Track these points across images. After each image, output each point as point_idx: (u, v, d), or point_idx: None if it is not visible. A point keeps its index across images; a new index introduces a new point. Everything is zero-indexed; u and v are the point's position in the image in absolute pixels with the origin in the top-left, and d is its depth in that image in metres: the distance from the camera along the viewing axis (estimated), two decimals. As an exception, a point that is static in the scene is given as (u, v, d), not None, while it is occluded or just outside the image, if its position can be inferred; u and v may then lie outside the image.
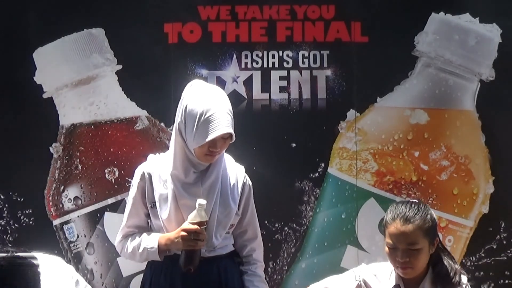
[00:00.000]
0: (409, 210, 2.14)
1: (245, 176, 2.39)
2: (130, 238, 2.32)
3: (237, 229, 2.38)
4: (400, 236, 2.11)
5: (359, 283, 2.27)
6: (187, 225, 2.16)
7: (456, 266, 2.20)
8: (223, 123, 2.17)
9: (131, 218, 2.34)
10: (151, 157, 2.37)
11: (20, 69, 3.21)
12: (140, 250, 2.27)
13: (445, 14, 3.21)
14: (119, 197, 3.13)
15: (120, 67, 3.21)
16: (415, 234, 2.11)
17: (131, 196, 2.34)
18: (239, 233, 2.39)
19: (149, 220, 2.36)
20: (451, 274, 2.17)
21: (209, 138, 2.15)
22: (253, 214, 2.41)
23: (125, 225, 2.35)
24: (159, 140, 3.19)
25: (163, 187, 2.28)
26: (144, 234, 2.30)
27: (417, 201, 2.24)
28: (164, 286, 2.28)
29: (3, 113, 3.19)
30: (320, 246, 3.13)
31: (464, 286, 2.17)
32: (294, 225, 3.16)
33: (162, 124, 3.20)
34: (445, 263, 2.19)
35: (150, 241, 2.26)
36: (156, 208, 2.29)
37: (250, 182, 2.41)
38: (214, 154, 2.22)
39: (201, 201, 2.15)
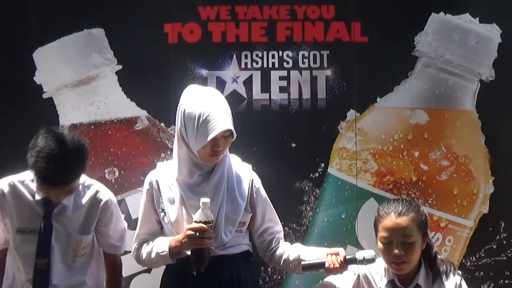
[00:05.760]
0: (402, 205, 2.22)
1: (251, 174, 2.41)
2: (144, 245, 2.35)
3: (260, 227, 2.41)
4: (395, 228, 2.17)
5: (358, 277, 2.29)
6: (192, 224, 2.18)
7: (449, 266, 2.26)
8: (221, 121, 2.21)
9: (144, 225, 2.38)
10: (159, 164, 2.45)
11: (20, 69, 3.21)
12: (153, 256, 2.30)
13: (445, 14, 3.21)
14: (119, 197, 3.12)
15: (120, 67, 3.21)
16: (410, 227, 2.17)
17: (142, 204, 2.40)
18: (265, 229, 2.41)
19: (161, 227, 2.38)
20: (451, 271, 2.24)
21: (210, 137, 2.19)
22: (271, 209, 2.44)
23: (138, 233, 2.40)
24: (159, 140, 3.19)
25: (170, 191, 2.32)
26: (156, 240, 2.33)
27: (406, 198, 2.28)
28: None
29: (3, 113, 3.19)
30: (320, 246, 3.10)
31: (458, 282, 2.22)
32: (294, 225, 3.16)
33: (162, 124, 3.20)
34: (441, 261, 2.27)
35: (161, 245, 2.29)
36: (165, 212, 2.31)
37: (259, 179, 2.43)
38: (218, 153, 2.26)
39: (205, 199, 2.18)
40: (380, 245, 2.22)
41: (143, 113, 3.20)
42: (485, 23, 3.22)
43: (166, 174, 2.36)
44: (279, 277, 3.15)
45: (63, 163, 2.18)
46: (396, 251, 2.15)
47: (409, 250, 2.16)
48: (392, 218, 2.18)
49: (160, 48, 3.21)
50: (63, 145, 2.20)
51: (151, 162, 3.11)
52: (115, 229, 2.46)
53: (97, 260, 2.52)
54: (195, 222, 2.19)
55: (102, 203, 2.40)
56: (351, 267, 2.29)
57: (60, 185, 2.22)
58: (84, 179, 2.41)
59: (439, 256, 2.29)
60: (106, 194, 2.44)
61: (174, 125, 3.13)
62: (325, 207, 3.18)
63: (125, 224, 2.55)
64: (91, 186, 2.42)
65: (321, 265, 2.28)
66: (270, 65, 3.22)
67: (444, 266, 2.25)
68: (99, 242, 2.47)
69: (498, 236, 3.17)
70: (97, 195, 2.41)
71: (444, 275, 2.22)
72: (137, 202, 2.58)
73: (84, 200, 2.39)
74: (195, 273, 2.24)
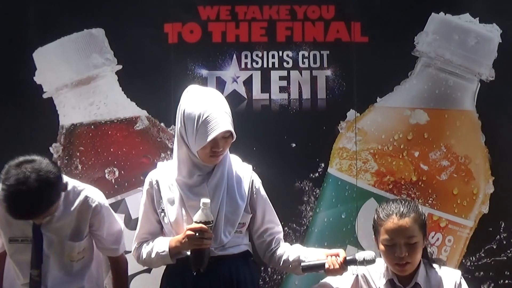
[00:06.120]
0: (402, 206, 2.20)
1: (252, 174, 2.41)
2: (144, 245, 2.35)
3: (260, 227, 2.41)
4: (399, 230, 2.16)
5: (357, 277, 2.30)
6: (193, 224, 2.19)
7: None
8: (221, 122, 2.21)
9: (144, 225, 2.39)
10: (160, 164, 2.45)
11: (20, 69, 3.21)
12: (153, 255, 2.31)
13: (445, 14, 3.21)
14: (119, 197, 3.13)
15: (120, 67, 3.21)
16: (413, 228, 2.16)
17: (142, 204, 2.39)
18: (264, 230, 2.41)
19: (161, 227, 2.38)
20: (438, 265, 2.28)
21: (210, 138, 2.19)
22: (271, 209, 2.44)
23: (138, 233, 2.40)
24: (159, 140, 3.19)
25: (170, 191, 2.31)
26: (156, 240, 2.34)
27: (404, 198, 2.28)
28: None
29: (3, 113, 3.19)
30: (320, 246, 3.12)
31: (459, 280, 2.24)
32: (294, 225, 3.16)
33: (162, 124, 3.20)
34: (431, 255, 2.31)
35: (161, 245, 2.29)
36: (165, 212, 2.32)
37: (259, 180, 2.43)
38: (217, 154, 2.26)
39: (205, 200, 2.19)
40: (382, 247, 2.21)
41: (143, 113, 3.20)
42: (485, 23, 3.22)
43: (166, 174, 2.36)
44: (279, 277, 3.15)
45: (31, 202, 2.15)
46: (400, 253, 2.15)
47: (412, 251, 2.16)
48: (395, 220, 2.17)
49: (160, 48, 3.21)
50: (30, 183, 2.13)
51: (151, 162, 3.11)
52: (109, 232, 2.46)
53: (98, 262, 2.51)
54: (195, 222, 2.19)
55: (92, 208, 2.38)
56: (350, 267, 2.29)
57: (32, 219, 2.24)
58: (74, 184, 2.40)
59: (428, 250, 2.31)
60: (95, 199, 2.41)
61: (174, 125, 3.15)
62: (325, 207, 3.18)
63: (121, 226, 2.55)
64: (81, 192, 2.39)
65: (321, 266, 2.28)
66: (270, 65, 3.22)
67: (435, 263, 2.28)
68: (97, 246, 2.48)
69: (498, 236, 3.17)
70: (86, 201, 2.39)
71: (439, 271, 2.25)
72: (137, 202, 2.58)
73: (74, 207, 2.37)
74: (194, 274, 2.24)
